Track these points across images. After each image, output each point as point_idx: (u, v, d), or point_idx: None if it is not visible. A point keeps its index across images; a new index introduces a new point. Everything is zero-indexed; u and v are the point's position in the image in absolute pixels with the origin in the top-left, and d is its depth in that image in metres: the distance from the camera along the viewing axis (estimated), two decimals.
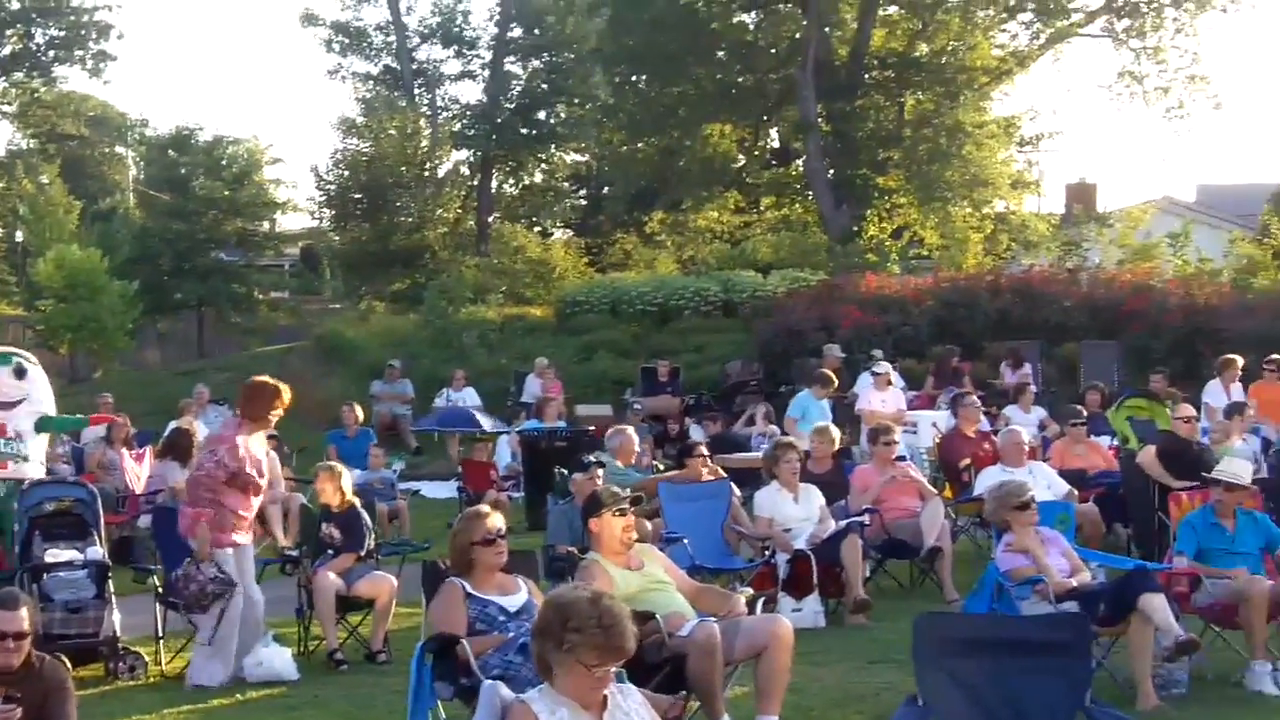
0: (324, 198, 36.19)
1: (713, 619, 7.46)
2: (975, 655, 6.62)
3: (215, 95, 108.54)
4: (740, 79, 34.99)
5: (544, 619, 4.94)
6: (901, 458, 13.15)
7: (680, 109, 34.05)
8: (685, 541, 11.36)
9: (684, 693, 7.12)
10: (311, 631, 10.93)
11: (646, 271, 34.46)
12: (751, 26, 36.23)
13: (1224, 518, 9.66)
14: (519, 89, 45.06)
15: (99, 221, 38.72)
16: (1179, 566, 9.54)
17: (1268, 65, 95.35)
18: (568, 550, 9.84)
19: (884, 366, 19.12)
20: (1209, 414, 16.18)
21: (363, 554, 10.88)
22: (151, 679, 10.18)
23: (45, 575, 10.12)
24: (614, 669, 5.05)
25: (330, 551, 10.81)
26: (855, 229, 32.59)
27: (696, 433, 20.00)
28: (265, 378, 10.44)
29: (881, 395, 18.43)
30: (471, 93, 46.41)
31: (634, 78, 35.27)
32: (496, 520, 7.45)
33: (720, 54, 34.31)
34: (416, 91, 43.64)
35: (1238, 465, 10.00)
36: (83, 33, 47.30)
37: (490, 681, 5.55)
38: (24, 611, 6.48)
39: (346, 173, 35.38)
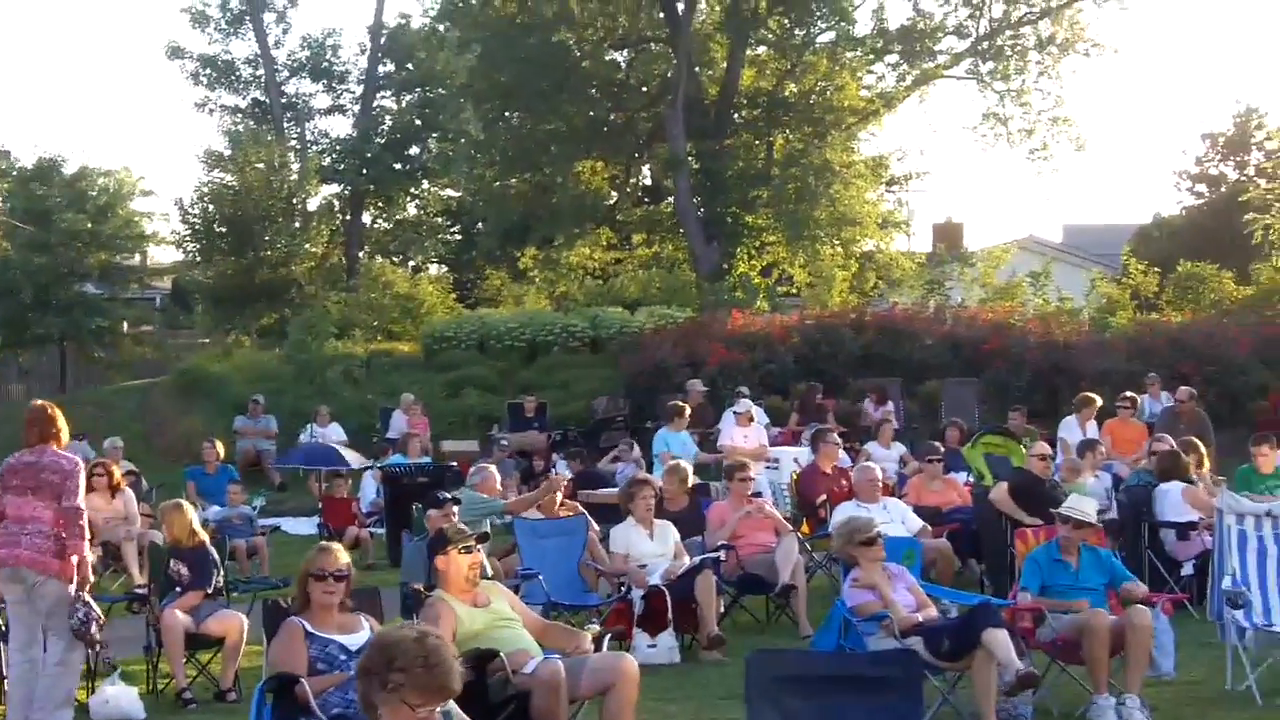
0: (189, 231, 35.72)
1: (558, 656, 7.45)
2: (807, 692, 6.67)
3: (84, 126, 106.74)
4: (612, 116, 35.14)
5: (369, 658, 4.85)
6: (758, 494, 13.23)
7: (552, 146, 34.03)
8: (540, 578, 11.36)
9: None
10: (160, 670, 10.74)
11: (516, 308, 34.42)
12: (623, 65, 36.47)
13: (1068, 554, 9.79)
14: (390, 124, 44.90)
15: None
16: (1023, 602, 9.64)
17: (1133, 107, 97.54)
18: (414, 588, 9.78)
19: (745, 404, 19.25)
20: (1064, 450, 16.48)
21: (210, 591, 10.74)
22: None
23: None
24: (439, 709, 4.99)
25: (178, 589, 10.65)
26: (725, 266, 32.80)
27: (562, 468, 19.99)
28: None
29: (744, 432, 18.55)
30: (342, 127, 46.18)
31: (505, 114, 35.25)
32: (339, 558, 7.38)
33: (592, 91, 34.43)
34: (286, 125, 43.26)
35: (1084, 502, 10.16)
36: None
37: None
38: None
39: (211, 206, 34.95)
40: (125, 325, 38.51)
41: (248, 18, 44.00)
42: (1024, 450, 15.13)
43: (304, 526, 19.72)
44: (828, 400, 22.35)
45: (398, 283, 35.47)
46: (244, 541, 15.85)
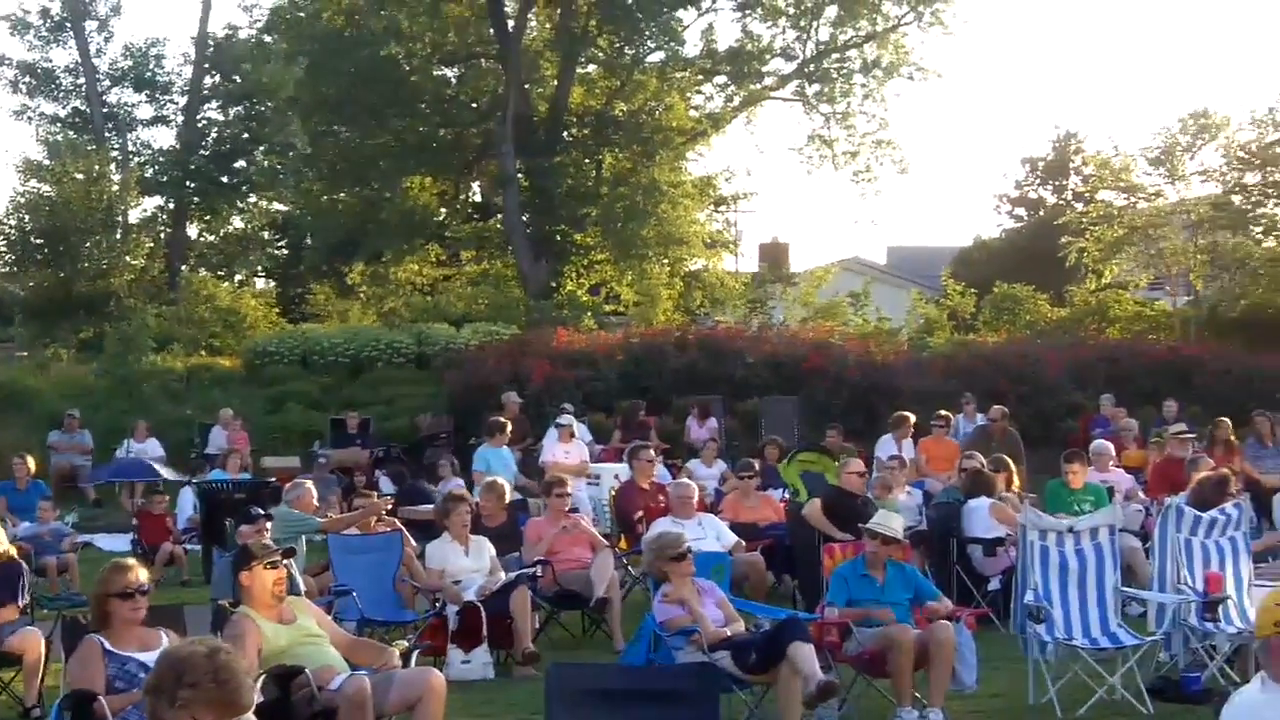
0: (4, 242, 34.86)
1: (366, 672, 7.44)
2: (605, 706, 6.73)
3: None
4: (441, 132, 34.97)
5: (158, 674, 4.78)
6: (575, 509, 13.30)
7: (380, 160, 33.75)
8: (354, 594, 11.30)
9: None
10: None
11: (340, 323, 34.10)
12: (452, 80, 36.37)
13: (874, 569, 9.97)
14: (216, 136, 44.23)
15: None
16: (829, 617, 9.81)
17: (957, 131, 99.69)
18: (221, 604, 9.67)
19: (567, 419, 19.30)
20: (879, 468, 16.78)
21: (21, 606, 10.52)
22: None
23: None
24: None
25: None
26: (554, 284, 32.86)
27: (385, 485, 19.87)
28: None
29: (565, 447, 18.61)
30: (166, 138, 45.33)
31: (334, 127, 34.95)
32: (139, 574, 7.30)
33: (421, 106, 34.29)
34: (107, 135, 42.36)
35: (890, 518, 10.35)
36: None
37: None
38: None
39: (28, 216, 34.14)
40: None
41: (69, 25, 43.02)
42: (838, 467, 15.36)
43: (118, 543, 19.28)
44: (651, 417, 22.50)
45: (220, 296, 34.93)
46: (55, 558, 15.51)
